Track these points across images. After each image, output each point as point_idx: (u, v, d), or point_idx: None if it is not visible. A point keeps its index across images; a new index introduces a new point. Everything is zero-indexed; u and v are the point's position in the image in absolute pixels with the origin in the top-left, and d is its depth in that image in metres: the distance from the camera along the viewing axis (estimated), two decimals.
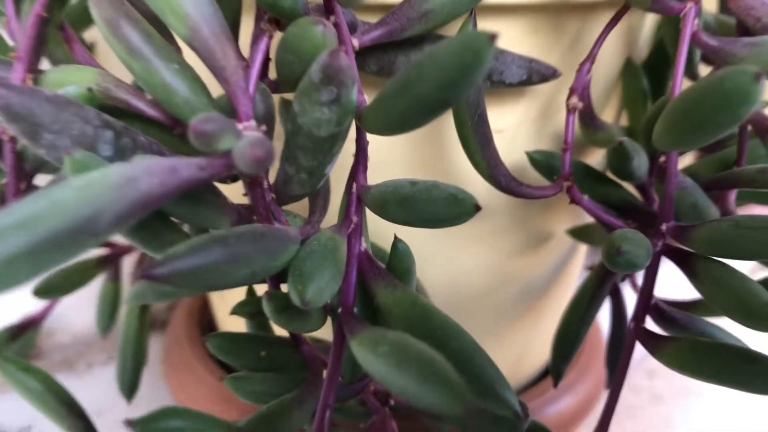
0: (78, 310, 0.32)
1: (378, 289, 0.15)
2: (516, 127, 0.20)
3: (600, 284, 0.20)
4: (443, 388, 0.10)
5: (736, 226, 0.15)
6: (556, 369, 0.22)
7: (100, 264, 0.27)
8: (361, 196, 0.15)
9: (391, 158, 0.19)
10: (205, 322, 0.31)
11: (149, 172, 0.11)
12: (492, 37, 0.11)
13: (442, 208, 0.14)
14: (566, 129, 0.17)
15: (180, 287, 0.12)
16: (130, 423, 0.12)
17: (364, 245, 0.16)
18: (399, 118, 0.13)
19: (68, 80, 0.14)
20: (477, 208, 0.13)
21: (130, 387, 0.25)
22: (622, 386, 0.23)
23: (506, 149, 0.20)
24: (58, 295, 0.25)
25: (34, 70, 0.15)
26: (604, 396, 0.33)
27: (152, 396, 0.29)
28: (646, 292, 0.17)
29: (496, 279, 0.23)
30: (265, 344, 0.17)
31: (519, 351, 0.26)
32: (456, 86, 0.11)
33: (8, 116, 0.12)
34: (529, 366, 0.27)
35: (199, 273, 0.12)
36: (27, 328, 0.28)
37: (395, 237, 0.16)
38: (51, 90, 0.14)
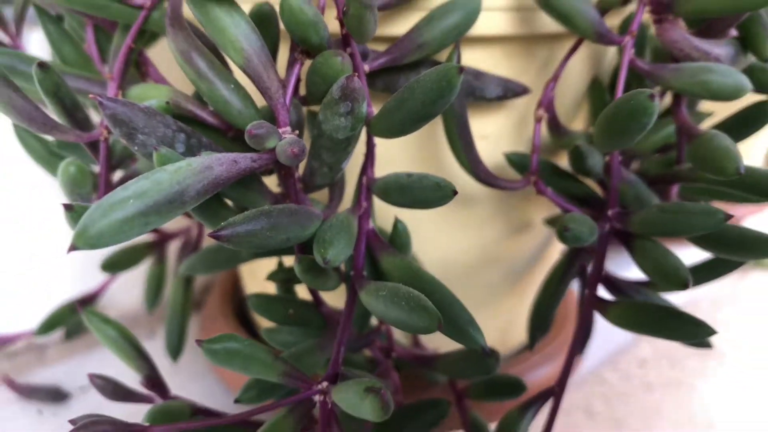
0: (125, 291, 0.37)
1: (381, 257, 0.19)
2: (498, 133, 0.24)
3: (569, 264, 0.25)
4: (424, 314, 0.15)
5: (662, 211, 0.19)
6: (532, 336, 0.26)
7: (149, 248, 0.32)
8: (369, 186, 0.20)
9: (395, 156, 0.23)
10: (236, 301, 0.36)
11: (219, 162, 0.15)
12: (460, 69, 0.15)
13: (430, 192, 0.18)
14: (534, 135, 0.22)
15: (237, 246, 0.16)
16: (199, 342, 0.17)
17: (371, 224, 0.20)
18: (397, 126, 0.17)
19: (148, 95, 0.19)
20: (454, 192, 0.18)
21: (176, 348, 0.29)
22: (580, 349, 0.27)
23: (491, 151, 0.24)
24: (117, 271, 0.30)
25: (121, 86, 0.20)
26: (582, 367, 0.36)
27: (190, 366, 0.34)
28: (597, 266, 0.22)
29: (484, 259, 0.27)
30: (292, 304, 0.22)
31: (505, 323, 0.30)
32: (435, 104, 0.15)
33: (113, 122, 0.16)
34: (515, 337, 0.32)
35: (251, 236, 0.16)
36: (86, 302, 0.33)
37: (396, 218, 0.20)
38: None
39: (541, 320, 0.25)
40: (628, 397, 0.37)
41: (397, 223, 0.20)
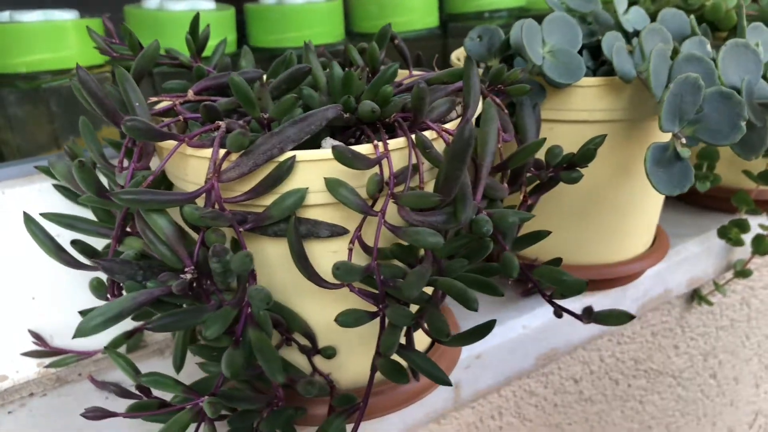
0: None
1: (250, 331, 0.36)
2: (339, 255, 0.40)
3: None
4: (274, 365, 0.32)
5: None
6: None
7: None
8: (245, 290, 0.37)
9: (272, 263, 0.40)
10: None
11: (144, 294, 0.33)
12: (298, 221, 0.32)
13: None
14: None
15: (161, 330, 0.34)
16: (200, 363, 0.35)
17: (249, 310, 0.37)
18: None
19: (131, 245, 0.37)
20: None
21: (179, 366, 0.48)
22: None
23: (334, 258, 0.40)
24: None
25: (118, 239, 0.38)
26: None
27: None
28: None
29: None
30: (211, 350, 0.39)
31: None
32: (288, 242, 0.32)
33: (105, 270, 0.35)
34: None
35: (169, 324, 0.34)
36: (136, 331, 0.52)
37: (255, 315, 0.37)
38: None
39: None
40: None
41: (261, 314, 0.37)
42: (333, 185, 0.35)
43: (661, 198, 0.61)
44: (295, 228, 0.36)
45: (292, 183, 0.36)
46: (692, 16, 0.53)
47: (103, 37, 0.49)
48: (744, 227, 0.64)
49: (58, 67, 0.59)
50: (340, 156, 0.33)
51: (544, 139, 0.39)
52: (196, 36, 0.49)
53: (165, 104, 0.44)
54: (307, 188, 0.36)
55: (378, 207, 0.36)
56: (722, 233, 0.65)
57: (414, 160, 0.36)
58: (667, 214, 0.76)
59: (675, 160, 0.42)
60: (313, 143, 0.39)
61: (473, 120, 0.39)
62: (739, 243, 0.65)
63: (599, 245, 0.58)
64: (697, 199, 0.75)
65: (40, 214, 0.44)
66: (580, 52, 0.54)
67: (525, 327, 0.57)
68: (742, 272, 0.71)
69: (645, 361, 0.75)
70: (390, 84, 0.40)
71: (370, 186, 0.35)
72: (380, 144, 0.36)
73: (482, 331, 0.38)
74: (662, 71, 0.44)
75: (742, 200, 0.64)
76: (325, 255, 0.39)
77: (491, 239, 0.37)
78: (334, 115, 0.37)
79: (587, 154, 0.42)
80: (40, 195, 0.49)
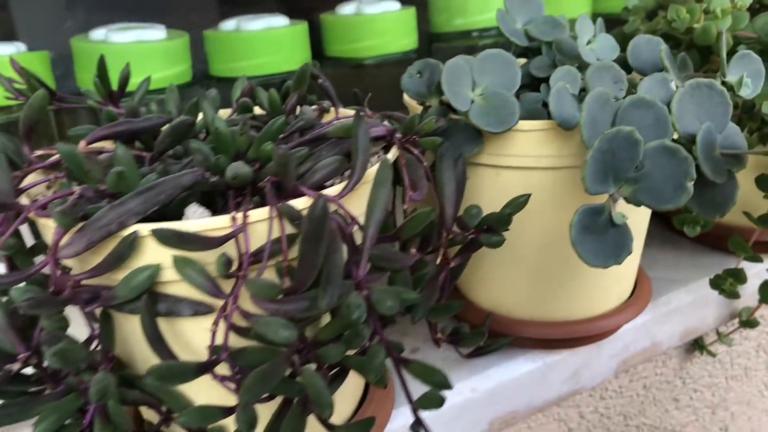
0: None
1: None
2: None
3: None
4: None
5: None
6: None
7: None
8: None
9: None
10: None
11: None
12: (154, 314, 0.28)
13: None
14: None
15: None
16: None
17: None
18: None
19: None
20: None
21: None
22: None
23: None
24: None
25: None
26: None
27: None
28: None
29: None
30: None
31: None
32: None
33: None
34: None
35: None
36: None
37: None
38: None
39: None
40: None
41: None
42: (180, 264, 0.31)
43: (639, 245, 0.54)
44: (147, 308, 0.32)
45: (145, 258, 0.32)
46: (664, 46, 0.46)
47: (9, 79, 0.46)
48: (740, 278, 0.56)
49: None
50: (162, 238, 0.29)
51: (432, 209, 0.34)
52: (104, 77, 0.46)
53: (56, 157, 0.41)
54: (158, 265, 0.32)
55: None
56: (715, 284, 0.57)
57: (277, 234, 0.32)
58: (664, 252, 0.68)
59: (609, 226, 0.36)
60: (179, 210, 0.35)
61: (389, 168, 0.33)
62: (733, 296, 0.58)
63: (560, 301, 0.51)
64: (700, 236, 0.67)
65: None
66: (537, 89, 0.48)
67: (474, 390, 0.51)
68: (749, 322, 0.63)
69: (636, 416, 0.68)
70: (273, 140, 0.36)
71: (218, 267, 0.31)
72: (239, 215, 0.32)
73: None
74: (601, 119, 0.38)
75: (738, 246, 0.56)
76: (198, 332, 0.35)
77: (366, 325, 0.32)
78: (192, 181, 0.33)
79: (503, 219, 0.36)
80: None
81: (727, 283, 0.56)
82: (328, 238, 0.29)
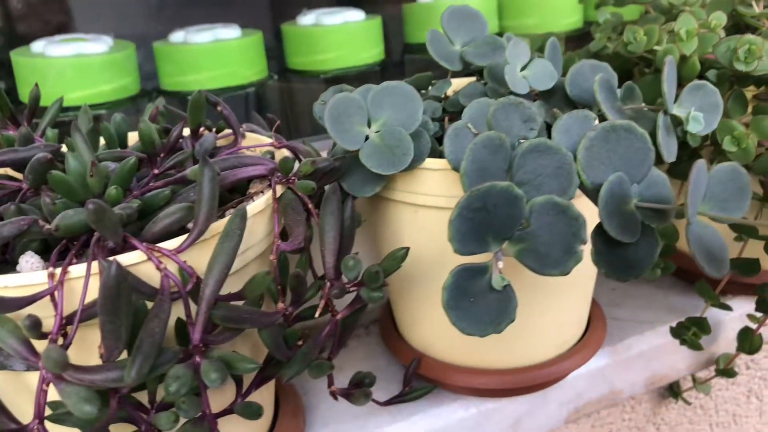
0: None
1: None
2: None
3: None
4: None
5: None
6: None
7: None
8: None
9: None
10: None
11: None
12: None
13: None
14: None
15: None
16: None
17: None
18: None
19: None
20: None
21: None
22: None
23: None
24: None
25: None
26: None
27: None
28: None
29: None
30: None
31: None
32: None
33: None
34: None
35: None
36: None
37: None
38: None
39: None
40: None
41: None
42: None
43: (586, 290, 0.49)
44: None
45: None
46: (599, 77, 0.41)
47: None
48: (704, 328, 0.50)
49: None
50: None
51: (268, 273, 0.30)
52: (2, 98, 0.44)
53: None
54: None
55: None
56: (677, 333, 0.52)
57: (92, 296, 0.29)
58: (638, 288, 0.63)
59: (488, 291, 0.32)
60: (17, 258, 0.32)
61: (241, 219, 0.30)
62: (695, 347, 0.52)
63: (494, 347, 0.47)
64: (677, 272, 0.61)
65: None
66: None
67: None
68: (726, 372, 0.58)
69: None
70: (126, 183, 0.33)
71: (27, 330, 0.28)
72: (58, 271, 0.29)
73: None
74: (493, 167, 0.34)
75: (704, 292, 0.50)
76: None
77: (186, 397, 0.29)
78: (18, 231, 0.30)
79: (372, 277, 0.33)
80: None
81: (690, 333, 0.50)
82: (126, 306, 0.26)
